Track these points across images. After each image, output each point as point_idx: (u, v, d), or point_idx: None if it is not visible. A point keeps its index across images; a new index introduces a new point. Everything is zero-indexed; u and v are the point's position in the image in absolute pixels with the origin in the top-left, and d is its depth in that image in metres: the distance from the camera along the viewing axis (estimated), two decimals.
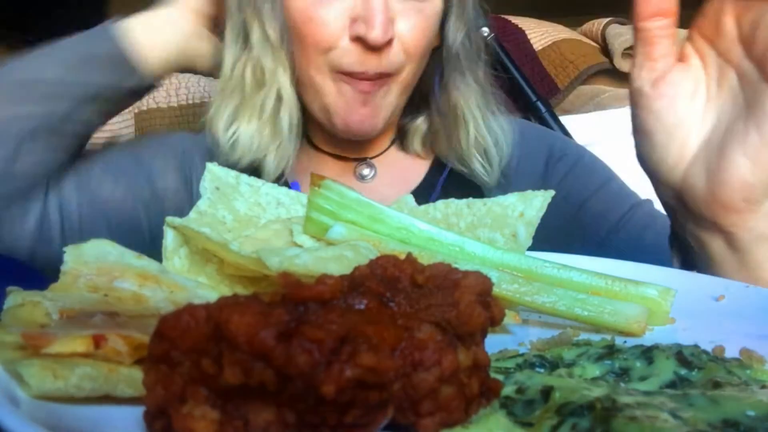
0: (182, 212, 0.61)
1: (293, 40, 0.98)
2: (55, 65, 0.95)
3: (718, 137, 0.64)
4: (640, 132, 0.69)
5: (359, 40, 0.92)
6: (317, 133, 1.12)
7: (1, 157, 0.91)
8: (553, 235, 1.06)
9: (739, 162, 0.61)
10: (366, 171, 1.12)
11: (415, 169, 1.14)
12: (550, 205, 1.06)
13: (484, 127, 1.07)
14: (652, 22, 0.65)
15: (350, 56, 0.94)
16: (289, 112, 1.01)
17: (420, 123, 1.12)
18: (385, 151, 1.14)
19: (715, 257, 0.67)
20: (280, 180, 1.03)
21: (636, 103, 0.68)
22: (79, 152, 1.02)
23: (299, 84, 1.01)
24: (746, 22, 0.61)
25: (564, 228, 1.05)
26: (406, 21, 0.95)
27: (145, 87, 1.02)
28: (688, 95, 0.66)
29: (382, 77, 0.96)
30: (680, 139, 0.66)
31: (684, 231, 0.70)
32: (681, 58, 0.67)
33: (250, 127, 1.01)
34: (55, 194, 0.98)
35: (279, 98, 1.00)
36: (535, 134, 1.18)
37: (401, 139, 1.14)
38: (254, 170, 1.02)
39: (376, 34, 0.90)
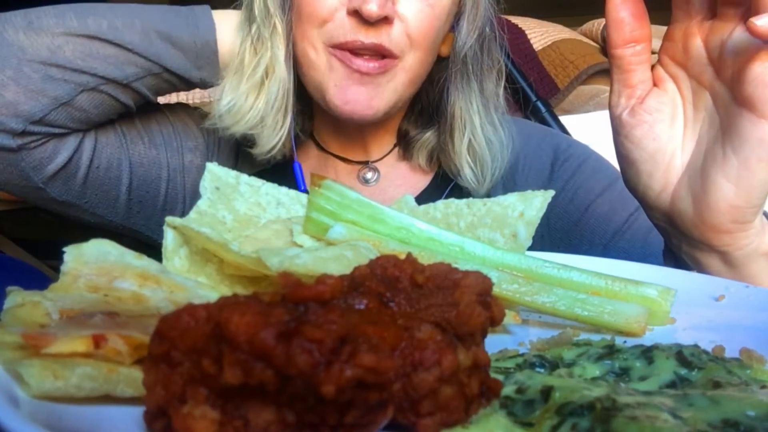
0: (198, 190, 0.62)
1: (293, 15, 0.99)
2: (134, 31, 0.95)
3: (700, 161, 0.64)
4: (625, 161, 0.69)
5: (355, 13, 0.92)
6: (323, 132, 1.13)
7: (57, 97, 0.92)
8: (559, 237, 1.06)
9: (722, 186, 0.61)
10: (369, 174, 1.12)
11: (419, 177, 1.14)
12: (556, 208, 1.06)
13: (482, 135, 1.06)
14: (626, 49, 0.64)
15: (344, 28, 0.93)
16: (279, 84, 1.01)
17: (428, 137, 1.10)
18: (387, 154, 1.14)
19: (712, 274, 0.67)
20: (273, 150, 1.03)
21: (618, 132, 0.68)
22: (126, 113, 1.03)
23: (297, 64, 1.01)
24: (713, 44, 0.61)
25: (570, 230, 1.05)
26: (409, 5, 0.95)
27: (209, 82, 1.03)
28: (667, 120, 0.66)
29: (380, 59, 0.95)
30: (664, 165, 0.66)
31: (679, 251, 0.70)
32: (655, 82, 0.67)
33: (240, 92, 1.01)
34: (92, 138, 1.00)
35: (271, 67, 1.00)
36: (541, 136, 1.18)
37: (404, 148, 1.13)
38: (248, 142, 1.04)
39: (370, 7, 0.89)
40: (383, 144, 1.13)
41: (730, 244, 0.64)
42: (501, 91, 1.11)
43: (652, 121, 0.65)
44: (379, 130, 1.11)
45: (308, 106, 1.12)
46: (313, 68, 0.98)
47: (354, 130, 1.10)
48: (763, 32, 0.54)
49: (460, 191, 1.10)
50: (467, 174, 1.07)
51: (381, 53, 0.95)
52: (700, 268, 0.68)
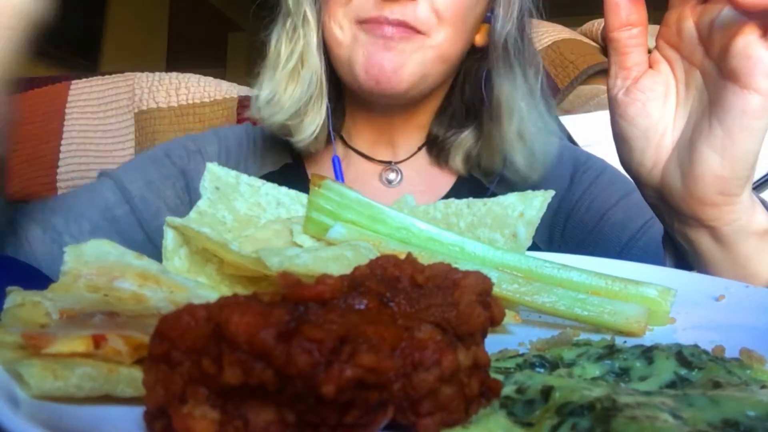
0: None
1: (321, 2, 1.01)
2: None
3: (688, 136, 0.66)
4: (619, 139, 0.72)
5: None
6: (352, 129, 1.14)
7: None
8: (574, 244, 1.07)
9: (708, 156, 0.64)
10: (392, 176, 1.12)
11: (442, 182, 1.13)
12: (572, 217, 1.06)
13: (529, 122, 1.04)
14: (622, 32, 0.68)
15: (368, 3, 0.94)
16: (312, 72, 1.03)
17: (465, 137, 1.09)
18: (413, 155, 1.13)
19: (704, 254, 0.68)
20: (312, 135, 1.04)
21: (613, 111, 0.71)
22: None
23: (327, 49, 1.03)
24: (703, 24, 0.64)
25: (585, 238, 1.06)
26: None
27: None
28: (659, 99, 0.68)
29: (408, 29, 0.95)
30: (655, 141, 0.69)
31: (672, 230, 0.72)
32: (651, 65, 0.70)
33: (278, 83, 1.03)
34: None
35: (305, 56, 1.03)
36: (561, 147, 1.17)
37: (438, 151, 1.13)
38: (288, 131, 1.05)
39: None
40: (411, 142, 1.13)
41: (717, 218, 0.66)
42: (542, 84, 1.10)
43: (645, 100, 0.68)
44: (409, 126, 1.11)
45: (339, 103, 1.14)
46: (341, 46, 0.99)
47: (383, 121, 1.10)
48: (742, 2, 0.56)
49: (479, 193, 1.10)
50: (519, 162, 1.05)
51: (406, 28, 0.95)
52: (693, 249, 0.69)
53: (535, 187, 1.10)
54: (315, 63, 1.03)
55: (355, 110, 1.12)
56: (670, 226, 0.72)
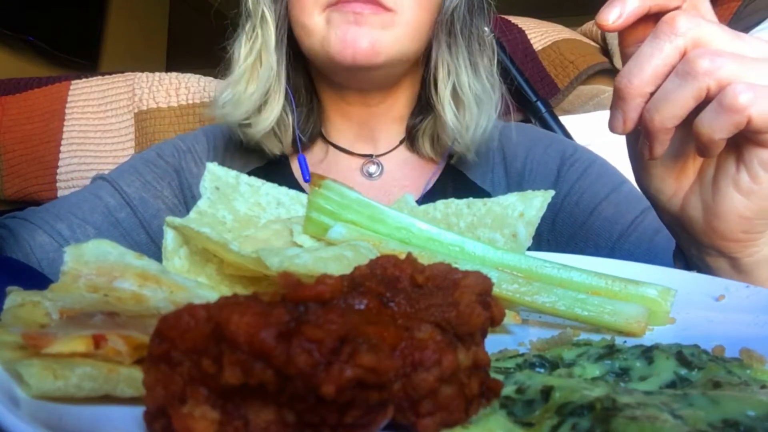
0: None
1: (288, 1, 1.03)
2: None
3: (712, 171, 0.63)
4: (637, 161, 0.69)
5: None
6: (331, 126, 1.15)
7: None
8: (564, 240, 1.07)
9: (733, 197, 0.61)
10: (373, 168, 1.13)
11: (422, 173, 1.14)
12: (562, 212, 1.07)
13: (468, 89, 1.07)
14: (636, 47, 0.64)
15: None
16: (269, 71, 1.05)
17: (428, 122, 1.12)
18: (393, 149, 1.14)
19: (719, 276, 0.66)
20: (264, 130, 1.06)
21: (631, 133, 0.66)
22: None
23: (299, 41, 1.04)
24: None
25: (575, 233, 1.06)
26: None
27: None
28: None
29: (376, 5, 0.96)
30: (676, 170, 0.66)
31: (689, 252, 0.69)
32: None
33: (238, 82, 1.06)
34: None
35: (264, 54, 1.05)
36: (547, 141, 1.18)
37: (411, 141, 1.15)
38: (246, 125, 1.08)
39: None
40: (392, 136, 1.15)
41: (739, 251, 0.64)
42: (494, 68, 1.12)
43: None
44: (387, 118, 1.13)
45: (317, 105, 1.15)
46: (313, 33, 1.00)
47: (362, 114, 1.12)
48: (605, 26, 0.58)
49: (463, 186, 1.11)
50: (449, 117, 1.06)
51: (375, 5, 0.97)
52: (709, 270, 0.67)
53: (519, 182, 1.13)
54: (272, 60, 1.05)
55: (332, 108, 1.14)
56: (686, 249, 0.70)
